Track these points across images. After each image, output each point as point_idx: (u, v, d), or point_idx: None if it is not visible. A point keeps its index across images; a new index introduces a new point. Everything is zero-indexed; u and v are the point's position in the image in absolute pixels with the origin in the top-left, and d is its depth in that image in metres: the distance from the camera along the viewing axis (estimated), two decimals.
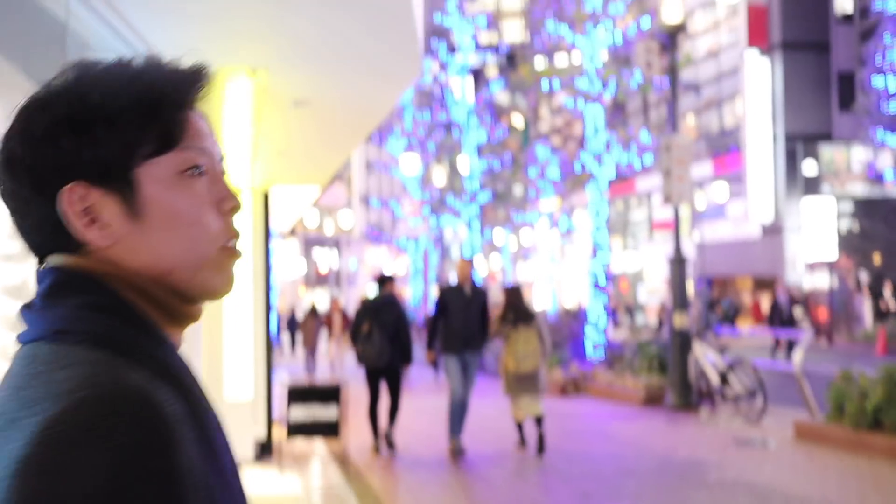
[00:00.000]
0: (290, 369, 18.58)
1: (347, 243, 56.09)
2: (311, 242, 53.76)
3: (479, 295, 8.56)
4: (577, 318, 18.52)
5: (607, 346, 14.83)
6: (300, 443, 7.61)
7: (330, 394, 7.26)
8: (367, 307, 8.92)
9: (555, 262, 33.92)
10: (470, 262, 8.84)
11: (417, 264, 30.43)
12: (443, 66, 24.53)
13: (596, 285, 15.30)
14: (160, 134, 0.84)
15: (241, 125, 3.79)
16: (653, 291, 37.01)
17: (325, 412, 7.19)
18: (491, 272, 48.12)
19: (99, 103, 0.82)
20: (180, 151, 0.85)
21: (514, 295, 8.84)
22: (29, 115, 0.82)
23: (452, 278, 39.28)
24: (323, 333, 19.10)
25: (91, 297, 0.80)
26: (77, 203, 0.81)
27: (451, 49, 23.97)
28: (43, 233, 0.83)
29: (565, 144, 34.69)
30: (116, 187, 0.82)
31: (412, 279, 29.88)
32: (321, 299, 50.45)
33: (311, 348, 18.87)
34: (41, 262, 0.85)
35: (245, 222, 7.47)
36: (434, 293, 27.91)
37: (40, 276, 0.83)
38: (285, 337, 26.39)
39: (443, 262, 41.82)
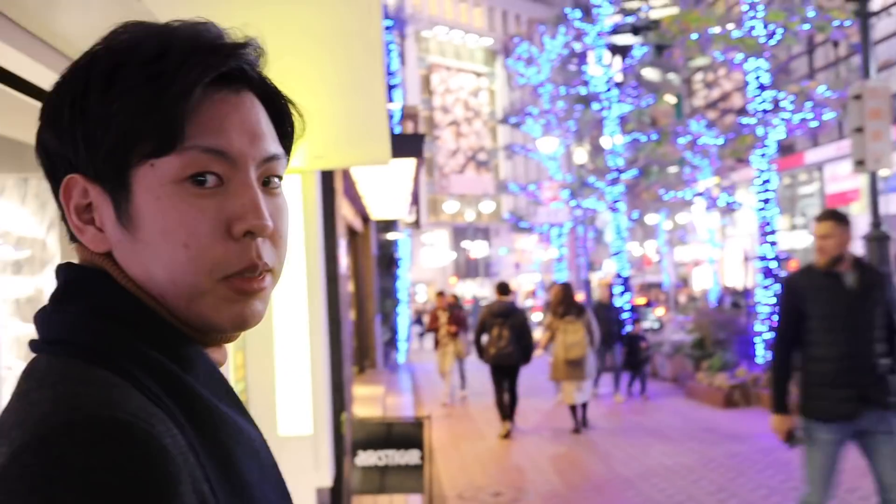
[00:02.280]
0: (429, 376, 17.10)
1: (497, 232, 54.64)
2: (460, 232, 52.72)
3: (875, 284, 4.11)
4: (744, 309, 15.95)
5: None
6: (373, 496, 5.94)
7: (409, 434, 5.51)
8: (493, 312, 9.76)
9: (715, 245, 30.78)
10: (839, 219, 4.11)
11: (563, 252, 28.32)
12: (580, 37, 22.31)
13: (765, 270, 12.80)
14: (159, 126, 0.70)
15: None
16: None
17: (402, 458, 5.47)
18: (645, 257, 45.28)
19: (101, 80, 0.71)
20: (183, 152, 0.71)
21: (565, 290, 10.01)
22: (55, 87, 0.75)
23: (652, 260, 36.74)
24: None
25: (101, 299, 0.72)
26: (76, 198, 0.74)
27: (589, 18, 21.67)
28: (64, 222, 0.76)
29: (722, 119, 31.52)
30: (109, 187, 0.73)
31: (557, 268, 27.75)
32: (471, 290, 49.51)
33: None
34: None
35: (294, 213, 5.86)
36: (594, 282, 25.62)
37: (57, 272, 0.75)
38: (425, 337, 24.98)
39: (596, 247, 39.35)
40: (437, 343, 12.64)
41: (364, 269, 15.04)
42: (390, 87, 17.95)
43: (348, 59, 3.09)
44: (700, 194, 20.24)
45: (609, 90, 20.68)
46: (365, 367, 14.57)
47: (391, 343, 18.83)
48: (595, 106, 21.12)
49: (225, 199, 0.72)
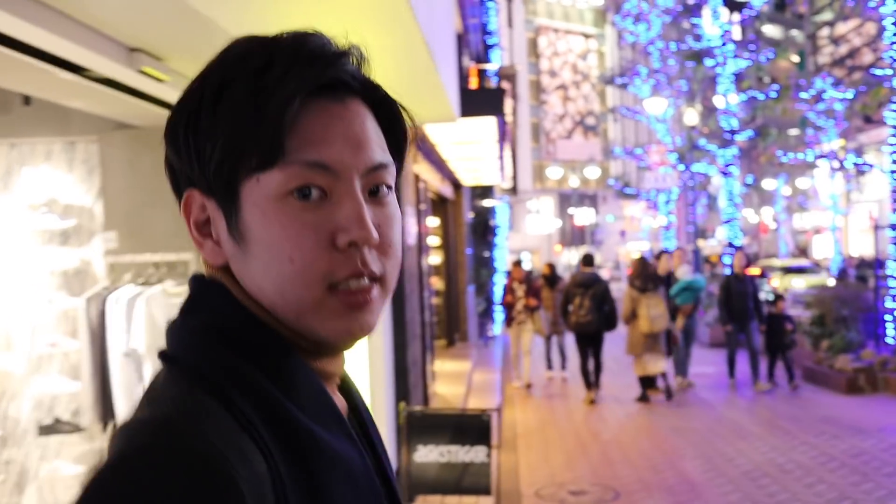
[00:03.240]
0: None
1: (603, 199, 53.05)
2: (565, 199, 51.43)
3: None
4: (873, 283, 14.50)
5: None
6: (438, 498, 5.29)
7: (475, 429, 4.85)
8: (576, 282, 9.94)
9: (838, 212, 28.65)
10: None
11: (671, 219, 26.91)
12: None
13: None
14: (260, 140, 0.71)
15: None
16: None
17: (467, 455, 4.81)
18: (762, 224, 42.96)
19: (211, 96, 0.73)
20: (286, 167, 0.71)
21: (641, 264, 9.78)
22: (175, 104, 0.76)
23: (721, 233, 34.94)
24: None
25: (215, 316, 0.74)
26: (195, 212, 0.76)
27: None
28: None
29: (850, 76, 29.13)
30: (221, 201, 0.74)
31: (665, 237, 26.38)
32: (575, 258, 48.36)
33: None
34: None
35: None
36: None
37: (189, 283, 0.78)
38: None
39: (708, 214, 37.47)
40: (509, 320, 11.28)
41: (455, 237, 14.41)
42: (488, 47, 17.13)
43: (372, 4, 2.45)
44: (823, 156, 18.58)
45: (724, 45, 19.19)
46: (455, 340, 14.00)
47: (486, 314, 18.16)
48: (708, 62, 19.65)
49: (329, 212, 0.72)
